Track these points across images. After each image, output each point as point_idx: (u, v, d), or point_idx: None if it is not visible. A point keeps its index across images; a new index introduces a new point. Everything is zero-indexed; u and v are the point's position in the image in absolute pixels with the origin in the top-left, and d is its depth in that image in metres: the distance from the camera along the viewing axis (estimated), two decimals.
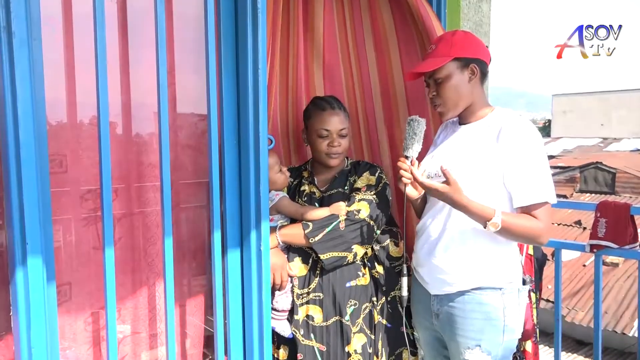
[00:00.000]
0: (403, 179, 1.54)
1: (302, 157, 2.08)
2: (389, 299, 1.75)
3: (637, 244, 2.33)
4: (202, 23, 1.35)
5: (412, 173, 1.50)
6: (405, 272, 1.62)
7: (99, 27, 1.17)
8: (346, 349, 1.64)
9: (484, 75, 1.57)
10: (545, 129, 26.30)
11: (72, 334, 1.35)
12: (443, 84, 1.54)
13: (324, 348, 1.64)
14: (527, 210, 1.45)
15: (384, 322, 1.73)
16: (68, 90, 1.31)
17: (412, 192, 1.65)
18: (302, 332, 1.65)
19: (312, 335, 1.65)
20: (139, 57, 1.41)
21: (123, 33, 1.39)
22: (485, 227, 1.43)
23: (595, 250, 2.41)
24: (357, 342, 1.65)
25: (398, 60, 1.98)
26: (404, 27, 1.97)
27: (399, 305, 1.74)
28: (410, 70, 1.68)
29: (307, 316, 1.67)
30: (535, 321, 2.00)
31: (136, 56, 1.41)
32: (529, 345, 1.92)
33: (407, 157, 1.54)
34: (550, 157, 17.32)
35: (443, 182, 1.43)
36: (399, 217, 2.00)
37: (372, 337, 1.69)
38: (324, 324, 1.65)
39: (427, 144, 1.78)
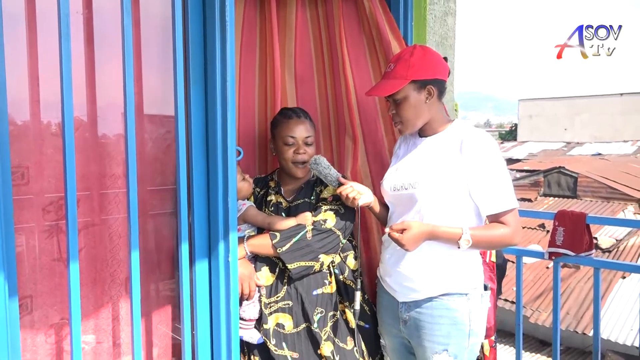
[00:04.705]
0: (354, 197, 1.64)
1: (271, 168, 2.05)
2: (365, 299, 1.79)
3: (593, 251, 2.43)
4: (169, 32, 1.35)
5: (352, 187, 1.64)
6: (358, 286, 1.66)
7: (64, 38, 1.16)
8: (318, 352, 1.66)
9: (441, 92, 1.62)
10: (512, 133, 26.86)
11: (33, 347, 1.33)
12: (401, 105, 1.59)
13: (296, 355, 1.65)
14: (496, 217, 1.52)
15: (362, 323, 1.76)
16: (31, 100, 1.29)
17: (366, 200, 1.69)
18: (274, 342, 1.65)
19: (283, 344, 1.66)
20: (105, 65, 1.39)
21: (89, 41, 1.37)
22: (459, 247, 1.49)
23: (553, 257, 2.50)
24: (327, 349, 1.67)
25: (350, 74, 1.97)
26: (354, 41, 1.98)
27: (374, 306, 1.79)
28: (368, 89, 1.72)
29: (278, 324, 1.67)
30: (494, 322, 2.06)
31: (102, 64, 1.39)
32: (487, 349, 1.97)
33: (340, 185, 1.67)
34: (516, 160, 17.76)
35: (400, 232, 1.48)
36: (361, 232, 2.00)
37: (344, 345, 1.70)
38: (295, 330, 1.67)
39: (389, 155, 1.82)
